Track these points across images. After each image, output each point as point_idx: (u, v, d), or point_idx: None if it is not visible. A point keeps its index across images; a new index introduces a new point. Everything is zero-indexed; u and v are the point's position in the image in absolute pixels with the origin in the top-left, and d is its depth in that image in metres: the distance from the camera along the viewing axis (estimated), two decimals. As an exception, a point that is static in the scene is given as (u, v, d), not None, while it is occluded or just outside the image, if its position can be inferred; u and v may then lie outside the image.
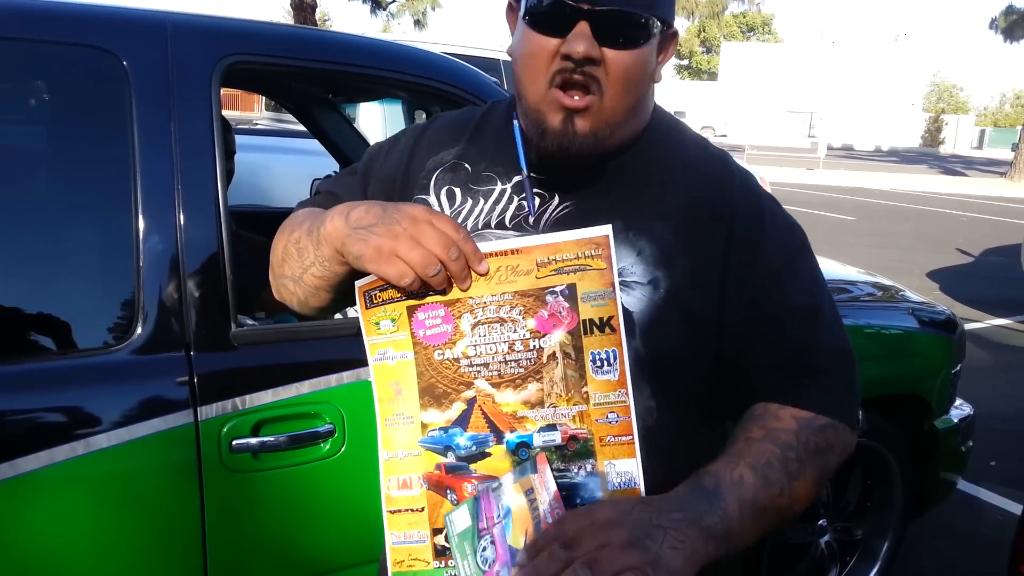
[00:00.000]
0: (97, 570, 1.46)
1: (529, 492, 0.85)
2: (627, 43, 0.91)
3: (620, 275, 0.92)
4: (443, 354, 0.89)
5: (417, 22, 27.46)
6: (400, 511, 0.92)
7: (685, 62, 67.33)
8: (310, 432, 1.60)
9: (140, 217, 1.51)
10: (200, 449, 1.51)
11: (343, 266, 0.90)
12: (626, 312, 0.92)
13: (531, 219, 1.00)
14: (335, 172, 1.09)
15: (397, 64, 1.85)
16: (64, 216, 1.57)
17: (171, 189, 1.54)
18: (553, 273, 0.87)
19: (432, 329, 0.89)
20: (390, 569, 0.92)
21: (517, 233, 1.00)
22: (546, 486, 0.85)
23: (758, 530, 0.88)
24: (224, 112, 1.84)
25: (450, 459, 0.90)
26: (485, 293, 0.88)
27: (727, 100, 42.39)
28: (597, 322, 0.87)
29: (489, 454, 0.89)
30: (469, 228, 1.02)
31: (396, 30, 26.37)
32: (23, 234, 1.52)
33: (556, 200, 1.00)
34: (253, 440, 1.54)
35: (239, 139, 3.09)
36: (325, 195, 1.13)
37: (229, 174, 2.72)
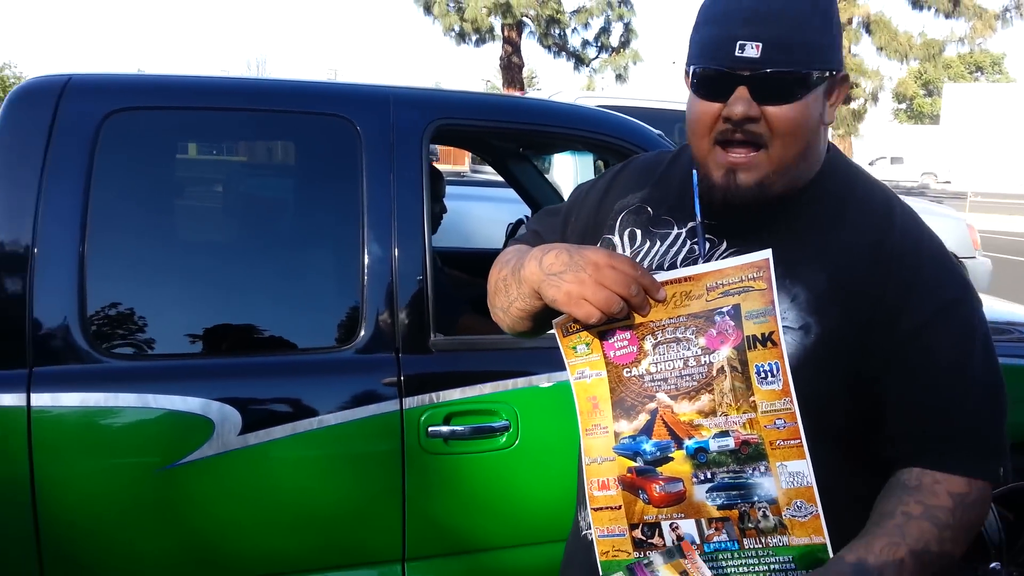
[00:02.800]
0: (323, 515, 1.87)
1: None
2: (786, 98, 0.99)
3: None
4: (630, 371, 1.02)
5: (619, 76, 27.91)
6: (602, 508, 1.05)
7: (903, 105, 63.47)
8: (489, 426, 1.93)
9: (365, 247, 1.94)
10: (403, 432, 1.89)
11: (540, 302, 1.03)
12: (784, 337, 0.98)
13: (700, 261, 1.09)
14: (545, 210, 1.35)
15: (571, 122, 2.20)
16: (310, 245, 2.04)
17: (389, 225, 1.96)
18: (720, 296, 0.98)
19: (620, 350, 1.02)
20: (598, 559, 1.05)
21: None
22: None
23: None
24: (438, 165, 2.26)
25: (639, 463, 1.02)
26: (663, 317, 1.00)
27: (950, 144, 39.45)
28: (760, 337, 0.96)
29: (671, 458, 1.00)
30: (647, 267, 1.13)
31: (598, 83, 27.02)
32: (280, 260, 2.00)
33: (724, 245, 1.09)
34: (444, 428, 1.90)
35: (450, 188, 3.56)
36: (531, 233, 1.28)
37: (440, 214, 3.18)
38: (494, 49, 24.02)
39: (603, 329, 1.02)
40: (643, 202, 1.18)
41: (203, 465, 1.77)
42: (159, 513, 1.78)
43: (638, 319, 1.00)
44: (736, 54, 0.97)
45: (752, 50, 0.97)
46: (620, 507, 1.03)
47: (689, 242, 1.12)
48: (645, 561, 0.95)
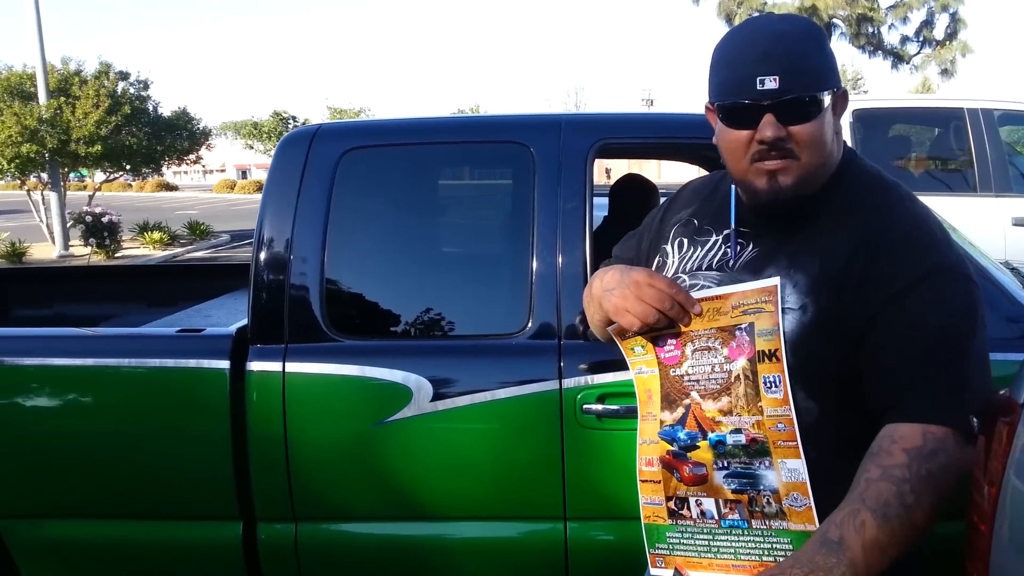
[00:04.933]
0: (495, 473, 2.26)
1: None
2: (806, 118, 1.18)
3: (781, 302, 1.16)
4: (675, 371, 1.23)
5: (944, 71, 25.23)
6: (647, 481, 1.28)
7: None
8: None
9: (534, 252, 2.30)
10: (562, 408, 2.21)
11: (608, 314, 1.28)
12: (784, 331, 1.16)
13: (731, 263, 1.29)
14: (626, 236, 1.66)
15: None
16: (492, 252, 2.45)
17: (554, 235, 2.31)
18: (741, 314, 1.18)
19: (668, 353, 1.24)
20: (642, 522, 1.29)
21: (720, 274, 1.30)
22: None
23: (885, 561, 1.06)
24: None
25: (674, 448, 1.23)
26: (700, 328, 1.21)
27: None
28: (767, 352, 1.15)
29: (698, 447, 1.21)
30: (689, 269, 1.34)
31: (914, 80, 24.72)
32: (467, 264, 2.44)
33: (750, 247, 1.29)
34: (597, 407, 2.19)
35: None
36: (615, 258, 1.55)
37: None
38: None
39: (655, 335, 1.25)
40: (691, 216, 1.40)
41: (403, 424, 2.25)
42: (372, 459, 2.28)
43: (682, 328, 1.22)
44: (758, 88, 1.16)
45: (772, 83, 1.16)
46: (660, 481, 1.26)
47: (724, 247, 1.32)
48: None
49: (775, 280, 1.17)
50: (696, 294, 1.23)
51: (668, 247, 1.40)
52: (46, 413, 2.36)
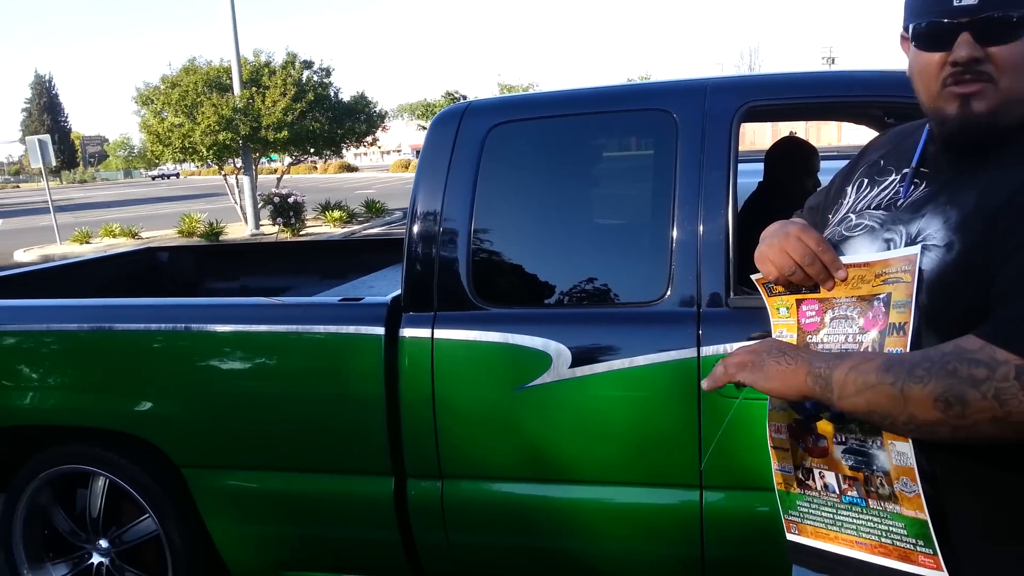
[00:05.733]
0: (633, 439, 2.28)
1: None
2: (1007, 39, 1.08)
3: (924, 239, 1.11)
4: (812, 338, 1.21)
5: None
6: (776, 448, 1.27)
7: None
8: (778, 376, 2.14)
9: (675, 220, 2.28)
10: (699, 376, 2.20)
11: None
12: (920, 272, 1.09)
13: (899, 203, 1.21)
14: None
15: (874, 90, 2.25)
16: (635, 221, 2.46)
17: (696, 201, 2.28)
18: (882, 283, 1.14)
19: (808, 318, 1.22)
20: (776, 488, 1.28)
21: (886, 213, 1.21)
22: None
23: (860, 402, 1.04)
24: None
25: (800, 417, 1.22)
26: (843, 295, 1.18)
27: None
28: (896, 326, 1.11)
29: (821, 418, 1.19)
30: (859, 208, 1.27)
31: None
32: (610, 233, 2.46)
33: (923, 186, 1.19)
34: (736, 375, 2.16)
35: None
36: (806, 208, 1.50)
37: (813, 189, 3.32)
38: None
39: (800, 298, 1.23)
40: (880, 157, 1.33)
41: (543, 389, 2.32)
42: (512, 423, 2.37)
43: (825, 293, 1.19)
44: (955, 4, 1.09)
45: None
46: (788, 449, 1.26)
47: (899, 186, 1.23)
48: None
49: (916, 249, 1.10)
50: (843, 259, 1.18)
51: (850, 187, 1.34)
52: (228, 374, 2.63)
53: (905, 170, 1.24)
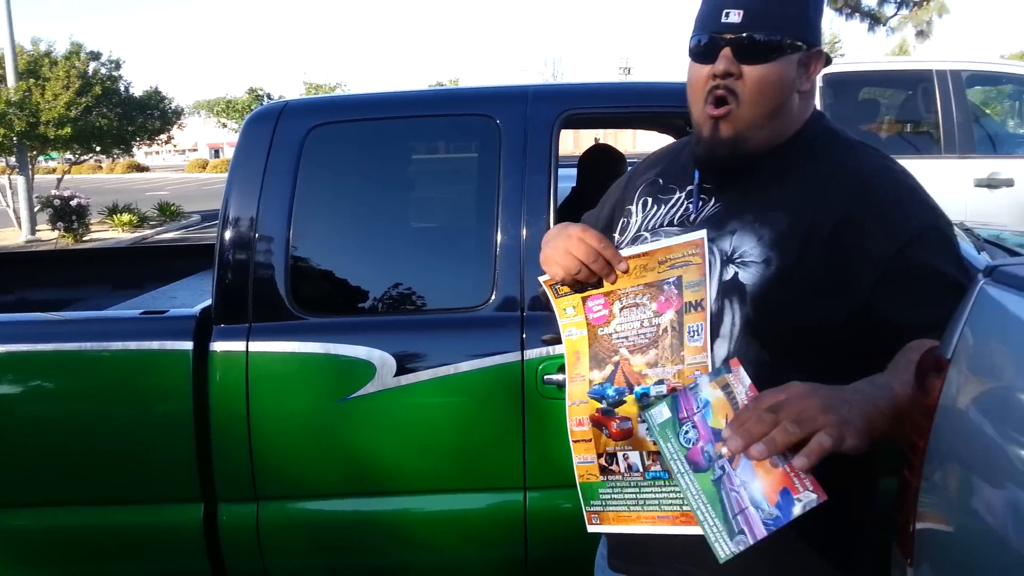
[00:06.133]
0: (459, 446, 2.27)
1: (725, 387, 1.05)
2: (761, 60, 1.18)
3: (741, 256, 1.19)
4: (603, 331, 1.26)
5: (920, 32, 25.30)
6: (578, 441, 1.29)
7: None
8: (600, 376, 2.20)
9: (499, 224, 2.29)
10: (523, 379, 2.22)
11: None
12: (740, 284, 1.18)
13: (691, 218, 1.28)
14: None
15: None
16: (458, 225, 2.44)
17: (519, 205, 2.30)
18: (668, 268, 1.21)
19: (596, 313, 1.27)
20: (577, 481, 1.30)
21: (681, 229, 1.28)
22: (741, 380, 1.04)
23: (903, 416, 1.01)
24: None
25: (603, 405, 1.25)
26: (628, 285, 1.24)
27: None
28: (693, 303, 1.19)
29: (625, 401, 1.23)
30: (652, 226, 1.33)
31: (891, 42, 24.73)
32: (432, 238, 2.43)
33: (712, 202, 1.27)
34: (558, 376, 2.20)
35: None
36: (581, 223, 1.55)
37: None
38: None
39: (585, 296, 1.28)
40: (657, 176, 1.40)
41: (367, 399, 2.24)
42: (335, 436, 2.28)
43: (609, 287, 1.25)
44: (722, 20, 1.18)
45: (735, 16, 1.17)
46: (591, 440, 1.28)
47: (687, 202, 1.31)
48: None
49: (701, 233, 1.19)
50: (622, 252, 1.24)
51: (632, 206, 1.39)
52: (6, 401, 2.33)
53: (689, 187, 1.31)
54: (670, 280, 1.20)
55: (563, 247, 1.23)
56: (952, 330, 0.92)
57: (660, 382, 1.21)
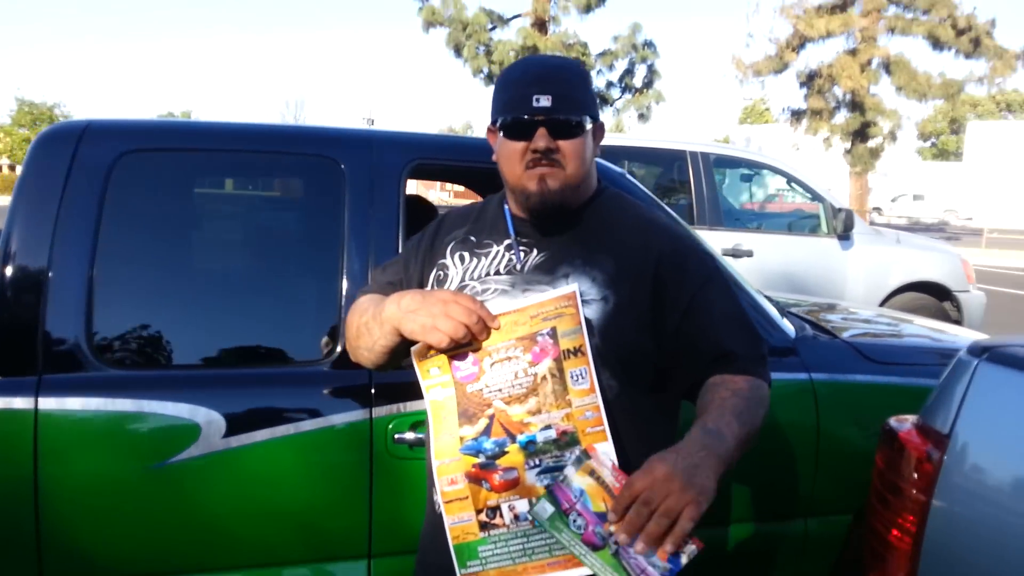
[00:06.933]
0: (297, 513, 2.07)
1: (592, 473, 1.18)
2: (572, 135, 1.40)
3: (581, 296, 1.33)
4: (472, 387, 1.29)
5: (642, 116, 28.15)
6: (452, 500, 1.28)
7: (928, 143, 63.18)
8: (451, 434, 2.13)
9: (344, 272, 2.16)
10: (372, 438, 2.09)
11: (400, 337, 1.34)
12: (587, 320, 1.33)
13: (518, 266, 1.44)
14: (384, 265, 1.67)
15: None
16: (295, 271, 2.27)
17: (366, 254, 2.18)
18: (541, 321, 1.29)
19: (464, 371, 1.30)
20: (451, 543, 1.28)
21: (511, 276, 1.43)
22: (604, 464, 1.19)
23: (738, 456, 1.26)
24: (464, 199, 2.49)
25: (481, 459, 1.27)
26: (497, 341, 1.29)
27: (973, 181, 39.33)
28: (572, 350, 1.27)
29: (507, 452, 1.26)
30: (477, 276, 1.46)
31: (623, 122, 27.25)
32: (265, 283, 2.23)
33: (535, 252, 1.45)
34: (409, 435, 2.09)
35: None
36: (382, 284, 1.57)
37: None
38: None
39: (452, 355, 1.29)
40: (467, 234, 1.53)
41: (190, 464, 1.98)
42: (150, 507, 1.98)
43: (481, 344, 1.28)
44: (534, 104, 1.37)
45: (545, 101, 1.37)
46: (467, 497, 1.27)
47: (507, 254, 1.47)
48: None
49: (573, 287, 1.31)
50: (493, 309, 1.30)
51: (447, 261, 1.51)
52: None
53: (507, 240, 1.47)
54: (544, 332, 1.27)
55: (442, 312, 1.26)
56: (948, 406, 0.99)
57: (547, 427, 1.26)
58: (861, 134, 21.34)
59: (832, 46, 40.62)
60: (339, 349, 2.13)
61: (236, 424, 2.02)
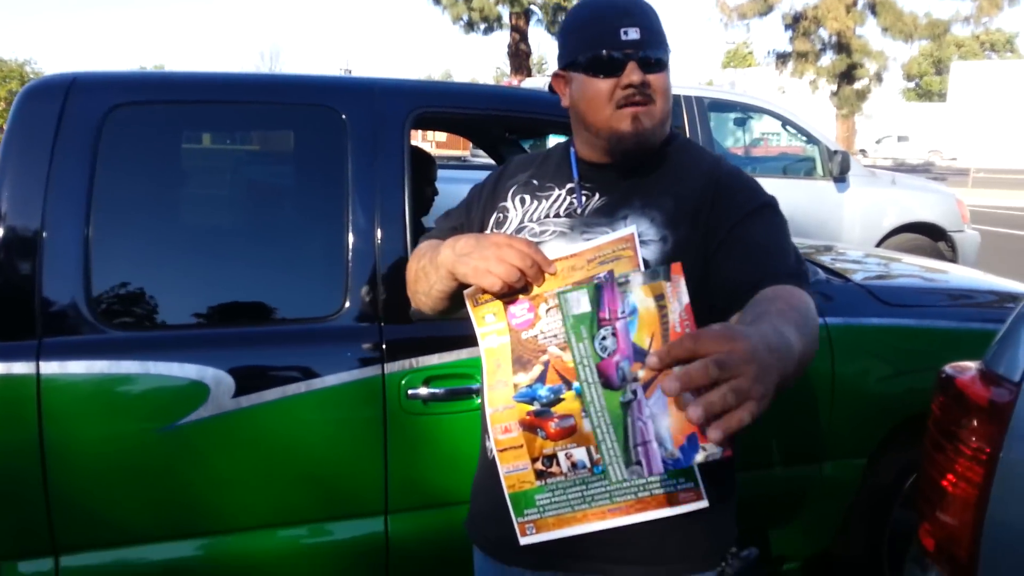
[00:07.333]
0: (311, 473, 2.04)
1: (659, 298, 1.00)
2: (660, 69, 1.34)
3: (640, 236, 1.28)
4: (527, 334, 1.22)
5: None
6: (507, 449, 1.22)
7: (912, 84, 62.93)
8: (465, 388, 2.08)
9: (351, 226, 2.09)
10: (385, 395, 2.04)
11: (456, 282, 1.28)
12: (645, 261, 1.26)
13: (579, 210, 1.39)
14: (447, 211, 1.60)
15: (542, 108, 2.35)
16: (301, 226, 2.19)
17: (372, 207, 2.11)
18: (598, 264, 1.22)
19: (520, 318, 1.23)
20: (506, 492, 1.23)
21: (570, 219, 1.38)
22: (679, 297, 1.00)
23: (802, 369, 1.07)
24: (444, 150, 2.42)
25: (535, 406, 1.20)
26: (553, 287, 1.21)
27: (957, 122, 39.28)
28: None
29: (563, 399, 1.18)
30: (536, 218, 1.41)
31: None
32: (272, 238, 2.16)
33: (597, 196, 1.40)
34: (423, 391, 2.06)
35: (450, 173, 3.64)
36: (444, 230, 1.53)
37: (432, 196, 3.35)
38: (503, 37, 23.98)
39: (507, 301, 1.23)
40: (530, 177, 1.48)
41: (199, 426, 1.94)
42: (161, 470, 1.94)
43: (534, 290, 1.22)
44: (622, 38, 1.31)
45: (634, 34, 1.31)
46: (522, 445, 1.21)
47: (569, 198, 1.41)
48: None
49: (631, 228, 1.24)
50: (550, 253, 1.23)
51: (507, 203, 1.46)
52: None
53: (569, 184, 1.42)
54: (601, 276, 1.19)
55: (495, 256, 1.20)
56: (1016, 351, 0.95)
57: None
58: (847, 76, 21.19)
59: (817, -13, 40.00)
60: (347, 305, 2.07)
61: (246, 384, 1.97)
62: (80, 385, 1.90)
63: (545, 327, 1.21)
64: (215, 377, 1.95)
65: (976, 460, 0.97)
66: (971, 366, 1.19)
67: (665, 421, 0.93)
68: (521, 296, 1.23)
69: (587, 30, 1.35)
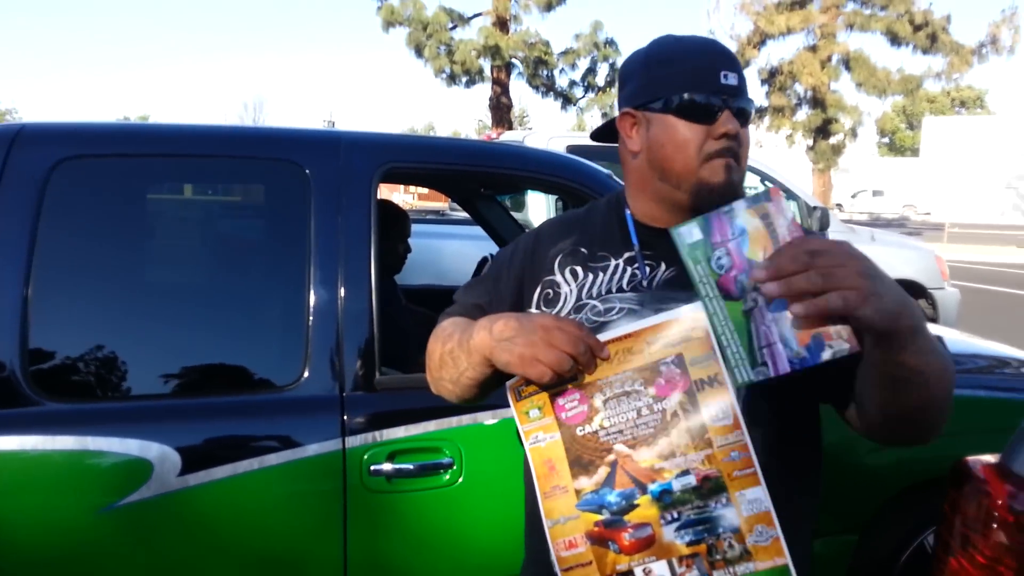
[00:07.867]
0: (263, 555, 1.87)
1: (765, 217, 0.98)
2: (746, 123, 1.23)
3: None
4: (583, 429, 1.08)
5: (605, 114, 28.24)
6: (573, 567, 1.07)
7: (886, 139, 64.26)
8: (433, 463, 1.94)
9: (312, 287, 1.96)
10: (346, 471, 1.89)
11: (491, 369, 1.12)
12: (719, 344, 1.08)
13: (645, 283, 1.23)
14: (469, 283, 1.43)
15: (515, 163, 2.25)
16: (257, 287, 2.06)
17: (335, 266, 1.99)
18: (662, 348, 1.06)
19: (571, 411, 1.08)
20: None
21: (638, 294, 1.22)
22: (783, 212, 0.98)
23: (926, 358, 0.98)
24: (427, 202, 2.30)
25: (605, 515, 1.06)
26: (609, 374, 1.07)
27: (930, 176, 40.05)
28: (706, 380, 1.05)
29: (637, 505, 1.05)
30: (597, 294, 1.24)
31: (586, 121, 27.26)
32: (224, 301, 2.02)
33: (663, 267, 1.23)
34: (387, 466, 1.91)
35: (424, 227, 3.51)
36: (468, 306, 1.35)
37: (405, 253, 3.23)
38: (484, 90, 24.23)
39: (553, 392, 1.08)
40: (576, 245, 1.29)
41: (144, 505, 1.78)
42: (100, 554, 1.78)
43: (585, 379, 1.07)
44: (722, 82, 1.18)
45: (733, 79, 1.19)
46: (591, 562, 1.06)
47: (630, 268, 1.24)
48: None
49: (697, 305, 1.05)
50: (601, 337, 1.08)
51: (556, 277, 1.28)
52: None
53: (627, 253, 1.25)
54: (668, 360, 1.06)
55: (541, 341, 1.04)
56: None
57: (685, 473, 1.04)
58: (823, 131, 21.54)
59: (792, 43, 41.01)
60: (306, 374, 1.93)
61: (193, 460, 1.81)
62: (12, 462, 1.74)
63: (607, 421, 1.07)
64: (160, 453, 1.80)
65: (1007, 554, 0.85)
66: (985, 459, 1.07)
67: (788, 323, 0.94)
68: (570, 386, 1.08)
69: (682, 66, 1.20)
